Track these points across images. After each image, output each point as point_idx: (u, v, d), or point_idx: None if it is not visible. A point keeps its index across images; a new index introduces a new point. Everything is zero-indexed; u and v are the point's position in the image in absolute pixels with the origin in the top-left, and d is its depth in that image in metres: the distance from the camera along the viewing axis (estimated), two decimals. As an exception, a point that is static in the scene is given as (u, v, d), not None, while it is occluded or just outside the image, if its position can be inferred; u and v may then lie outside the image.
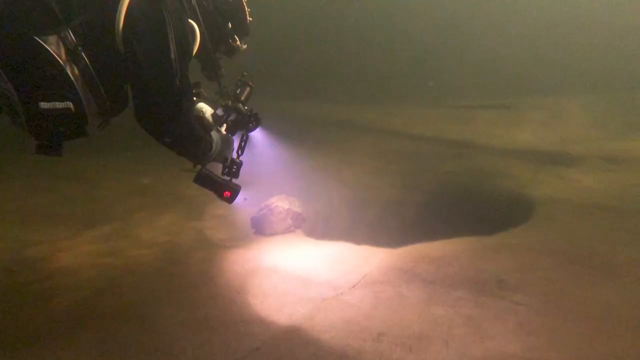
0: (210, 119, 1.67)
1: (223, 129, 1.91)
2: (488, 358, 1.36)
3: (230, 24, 1.73)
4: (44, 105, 1.16)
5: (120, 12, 1.21)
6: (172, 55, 1.29)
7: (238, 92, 1.92)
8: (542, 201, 3.11)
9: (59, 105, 1.18)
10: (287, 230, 2.82)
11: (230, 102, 1.89)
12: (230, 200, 1.89)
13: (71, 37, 1.18)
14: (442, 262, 2.05)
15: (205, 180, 1.83)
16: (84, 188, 3.58)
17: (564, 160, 4.03)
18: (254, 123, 1.93)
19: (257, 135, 2.11)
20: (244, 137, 2.00)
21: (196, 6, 1.56)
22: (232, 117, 1.90)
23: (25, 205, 3.18)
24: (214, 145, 1.67)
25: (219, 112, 1.88)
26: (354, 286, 1.97)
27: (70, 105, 1.19)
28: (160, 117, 1.38)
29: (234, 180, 1.91)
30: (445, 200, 3.90)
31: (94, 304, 1.80)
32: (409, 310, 1.70)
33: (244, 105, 1.92)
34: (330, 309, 1.72)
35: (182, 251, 2.46)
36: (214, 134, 1.72)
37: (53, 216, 2.98)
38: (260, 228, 2.81)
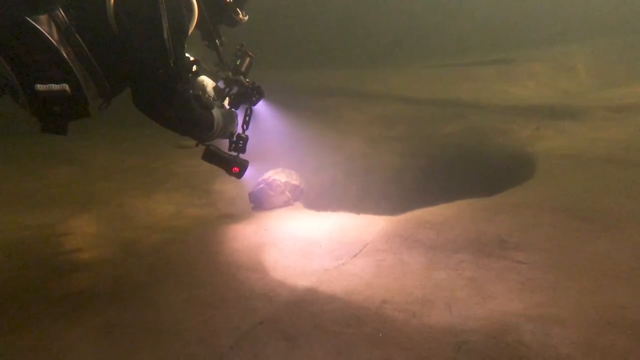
0: (212, 95, 1.65)
1: (226, 103, 1.87)
2: (491, 318, 1.36)
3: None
4: (40, 87, 1.15)
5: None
6: (165, 35, 1.25)
7: (238, 63, 1.87)
8: (543, 157, 3.05)
9: (55, 87, 1.16)
10: (286, 204, 2.79)
11: (230, 74, 1.85)
12: (239, 175, 1.90)
13: (62, 16, 1.16)
14: (442, 226, 2.03)
15: (213, 157, 1.83)
16: (76, 169, 3.51)
17: (566, 113, 3.92)
18: (257, 96, 1.90)
19: (260, 107, 2.07)
20: (248, 111, 1.97)
21: None
22: (235, 90, 1.87)
23: (17, 189, 3.14)
24: (215, 122, 1.65)
25: (220, 84, 1.85)
26: (355, 256, 1.96)
27: (66, 87, 1.18)
28: (154, 99, 1.36)
29: (241, 155, 1.90)
30: (445, 163, 3.85)
31: (94, 286, 1.80)
32: (411, 276, 1.69)
33: (245, 76, 1.87)
34: (333, 280, 1.72)
35: (180, 229, 2.44)
36: (215, 110, 1.68)
37: (47, 199, 2.93)
38: (259, 203, 2.78)
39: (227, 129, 1.79)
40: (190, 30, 1.50)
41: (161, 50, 1.26)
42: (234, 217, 2.63)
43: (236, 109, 1.93)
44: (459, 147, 4.04)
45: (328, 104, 5.64)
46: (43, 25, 1.12)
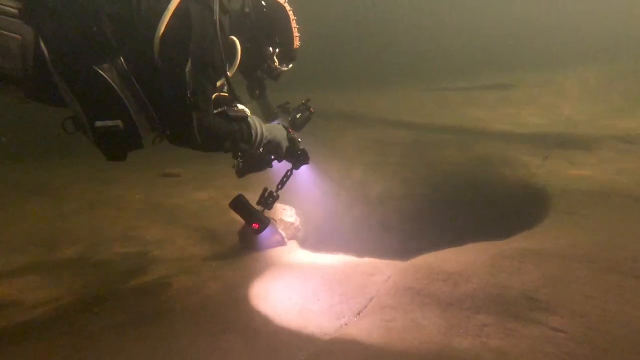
0: (241, 112, 1.65)
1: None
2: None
3: (271, 47, 1.75)
4: (98, 123, 1.34)
5: (158, 30, 1.35)
6: (187, 67, 1.38)
7: (298, 116, 2.01)
8: (557, 192, 2.84)
9: (109, 123, 1.34)
10: (279, 244, 2.52)
11: (287, 124, 1.96)
12: (257, 232, 1.97)
13: (122, 63, 1.35)
14: (458, 277, 1.77)
15: (240, 207, 1.91)
16: (48, 202, 3.21)
17: (574, 142, 3.75)
18: (302, 161, 1.96)
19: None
20: (289, 173, 2.03)
21: (241, 23, 1.66)
22: (286, 144, 1.89)
23: None
24: (253, 131, 1.68)
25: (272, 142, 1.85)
26: (359, 313, 1.69)
27: (120, 122, 1.35)
28: (174, 129, 1.50)
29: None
30: (450, 194, 3.62)
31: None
32: (427, 344, 1.42)
33: (299, 130, 1.99)
34: (334, 352, 1.44)
35: (159, 278, 2.15)
36: (252, 119, 1.70)
37: (7, 240, 2.61)
38: (249, 243, 2.51)
39: (275, 143, 1.79)
40: (232, 73, 1.59)
41: (178, 84, 1.38)
42: (221, 259, 2.34)
43: (279, 162, 1.96)
44: (464, 177, 3.84)
45: (322, 128, 5.48)
46: (107, 72, 1.31)
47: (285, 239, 2.55)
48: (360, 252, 2.48)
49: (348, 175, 3.96)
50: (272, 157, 1.93)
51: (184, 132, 1.49)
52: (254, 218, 1.91)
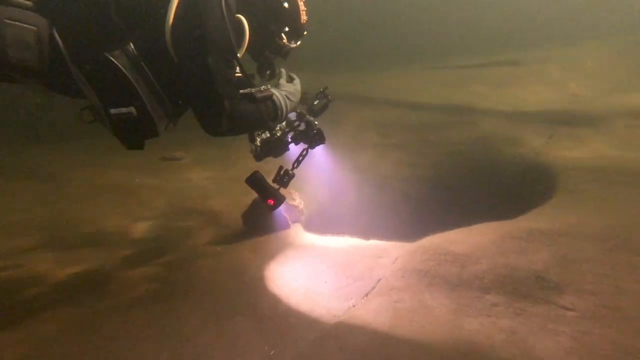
0: (266, 91, 1.63)
1: (289, 136, 2.00)
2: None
3: (276, 24, 1.72)
4: (113, 110, 1.35)
5: (168, 19, 1.32)
6: (209, 60, 1.36)
7: (315, 103, 2.04)
8: (563, 170, 2.80)
9: (123, 110, 1.35)
10: (283, 227, 2.50)
11: (304, 111, 1.99)
12: (272, 208, 1.99)
13: (132, 49, 1.35)
14: (467, 259, 1.75)
15: (256, 183, 1.93)
16: (48, 187, 3.17)
17: (581, 119, 3.68)
18: (318, 141, 2.01)
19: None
20: (304, 152, 2.06)
21: (247, 2, 1.62)
22: (302, 127, 1.99)
23: None
24: (278, 109, 1.68)
25: (292, 116, 1.98)
26: (367, 295, 1.68)
27: (133, 109, 1.36)
28: (208, 121, 1.49)
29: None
30: (455, 175, 3.59)
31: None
32: (436, 325, 1.41)
33: (315, 116, 2.02)
34: (342, 334, 1.43)
35: (165, 262, 2.14)
36: (277, 95, 1.68)
37: (10, 224, 2.58)
38: (253, 226, 2.48)
39: (294, 106, 1.81)
40: (241, 53, 1.56)
41: (205, 75, 1.37)
42: (226, 244, 2.33)
43: (296, 144, 2.03)
44: (468, 157, 3.79)
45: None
46: (117, 59, 1.31)
47: (289, 222, 2.53)
48: (366, 235, 2.47)
49: (352, 157, 3.91)
50: (289, 139, 2.02)
51: (217, 122, 1.49)
52: (269, 194, 1.94)
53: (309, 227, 2.68)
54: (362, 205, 3.37)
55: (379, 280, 1.77)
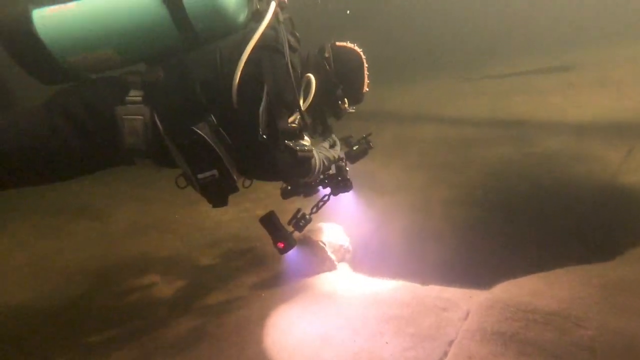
0: (308, 152, 1.73)
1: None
2: None
3: (342, 88, 1.84)
4: (199, 175, 1.52)
5: (235, 81, 1.49)
6: (261, 107, 1.49)
7: (355, 148, 2.10)
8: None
9: (208, 174, 1.53)
10: (329, 269, 2.28)
11: (342, 155, 2.04)
12: (282, 252, 1.93)
13: (213, 120, 1.51)
14: (563, 320, 1.43)
15: (269, 224, 1.88)
16: (95, 226, 3.20)
17: (662, 132, 3.17)
18: (343, 189, 2.00)
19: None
20: (326, 198, 2.04)
21: (319, 64, 1.78)
22: (332, 170, 1.99)
23: (33, 255, 2.83)
24: (313, 168, 1.79)
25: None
26: (439, 363, 1.40)
27: (216, 172, 1.53)
28: (248, 163, 1.63)
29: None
30: (507, 200, 3.19)
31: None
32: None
33: (352, 162, 2.09)
34: None
35: (202, 306, 2.00)
36: (317, 155, 1.81)
37: (65, 267, 2.59)
38: (296, 268, 2.29)
39: (326, 171, 1.94)
40: (305, 106, 1.68)
41: (252, 122, 1.50)
42: (266, 287, 2.15)
43: (324, 188, 2.04)
44: (524, 177, 3.38)
45: (353, 128, 5.17)
46: (202, 130, 1.48)
47: (335, 262, 2.31)
48: (420, 275, 2.19)
49: (388, 179, 3.65)
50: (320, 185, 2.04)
51: (256, 166, 1.64)
52: (280, 237, 1.88)
53: (357, 266, 2.44)
54: (406, 235, 3.08)
55: (451, 342, 1.49)
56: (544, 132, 3.97)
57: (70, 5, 1.44)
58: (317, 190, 2.03)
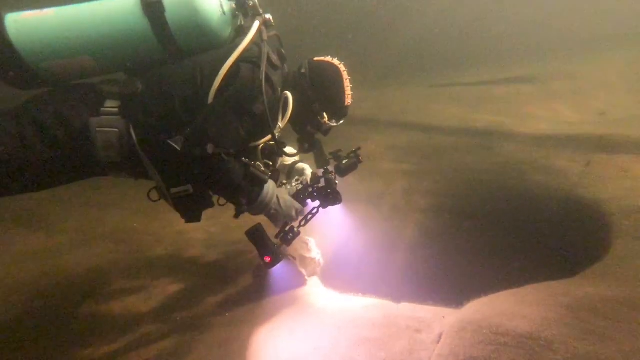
0: (264, 175, 1.68)
1: (307, 191, 1.94)
2: None
3: (319, 104, 1.80)
4: (173, 190, 1.54)
5: (213, 90, 1.52)
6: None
7: (344, 162, 2.04)
8: (616, 208, 2.45)
9: (182, 188, 1.54)
10: (300, 283, 2.18)
11: (331, 169, 2.00)
12: (268, 266, 1.87)
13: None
14: (534, 342, 1.41)
15: (256, 237, 1.83)
16: (42, 237, 2.86)
17: (619, 144, 3.35)
18: (332, 202, 1.95)
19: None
20: (315, 211, 1.98)
21: (297, 82, 1.77)
22: (322, 183, 1.95)
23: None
24: (261, 197, 1.71)
25: (320, 172, 1.99)
26: (411, 393, 1.34)
27: (190, 187, 1.53)
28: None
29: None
30: (478, 208, 3.24)
31: None
32: None
33: (342, 176, 2.04)
34: None
35: (160, 329, 1.82)
36: (269, 188, 1.73)
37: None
38: (263, 284, 2.16)
39: (278, 214, 1.81)
40: (283, 124, 1.68)
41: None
42: (235, 306, 2.01)
43: (312, 201, 1.97)
44: (492, 186, 3.46)
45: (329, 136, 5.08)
46: (178, 144, 1.44)
47: (306, 277, 2.21)
48: (393, 289, 2.14)
49: (361, 188, 3.60)
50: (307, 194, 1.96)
51: (209, 177, 1.53)
52: (267, 251, 1.82)
53: (328, 280, 2.35)
54: (377, 243, 3.03)
55: (424, 369, 1.44)
56: (509, 142, 4.09)
57: (48, 11, 1.41)
58: (306, 204, 1.96)
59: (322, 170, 1.99)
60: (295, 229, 1.93)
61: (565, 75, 5.58)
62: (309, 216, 1.97)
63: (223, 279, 2.30)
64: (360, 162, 2.07)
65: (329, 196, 1.91)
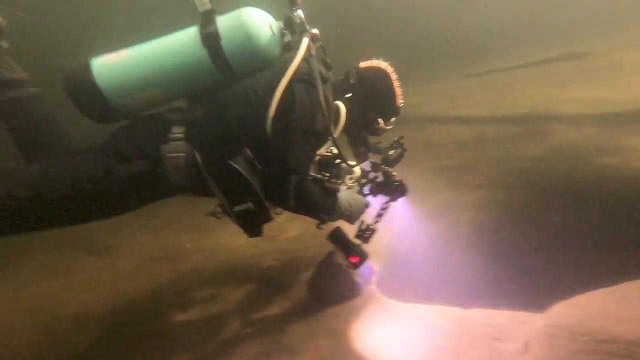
0: (335, 185, 1.75)
1: (366, 188, 2.01)
2: None
3: (374, 110, 1.87)
4: (236, 208, 1.59)
5: (269, 113, 1.53)
6: (292, 135, 1.53)
7: (390, 153, 2.03)
8: None
9: (244, 206, 1.57)
10: (357, 294, 2.07)
11: (379, 161, 2.01)
12: (356, 266, 1.91)
13: (248, 153, 1.56)
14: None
15: (338, 239, 1.89)
16: (103, 262, 3.00)
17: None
18: (400, 192, 1.98)
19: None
20: (385, 205, 2.00)
21: (346, 91, 1.81)
22: (380, 178, 1.99)
23: (39, 298, 2.63)
24: (336, 207, 1.78)
25: (367, 166, 2.00)
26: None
27: (251, 204, 1.57)
28: (272, 188, 1.60)
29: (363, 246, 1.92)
30: (534, 199, 2.96)
31: None
32: None
33: (391, 166, 2.02)
34: None
35: (223, 340, 1.79)
36: (342, 195, 1.79)
37: (74, 312, 2.36)
38: (319, 295, 2.09)
39: (351, 216, 1.86)
40: (337, 134, 1.71)
41: (281, 149, 1.54)
42: (293, 318, 1.94)
43: (374, 196, 2.00)
44: (549, 174, 3.16)
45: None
46: (239, 164, 1.52)
47: (362, 286, 2.10)
48: (456, 294, 1.97)
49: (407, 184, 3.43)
50: (367, 191, 2.01)
51: (281, 193, 1.60)
52: (352, 251, 1.87)
53: (384, 287, 2.22)
54: (431, 243, 2.85)
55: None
56: (563, 125, 3.75)
57: (123, 52, 1.55)
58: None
59: (368, 165, 1.99)
60: (372, 226, 1.96)
61: (620, 48, 5.06)
62: (382, 211, 1.99)
63: (277, 292, 2.25)
64: (405, 150, 2.07)
65: (396, 188, 1.94)
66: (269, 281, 2.37)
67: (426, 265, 2.57)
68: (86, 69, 1.50)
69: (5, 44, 1.52)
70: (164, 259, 2.86)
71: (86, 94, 1.51)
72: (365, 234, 1.95)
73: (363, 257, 1.89)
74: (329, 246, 2.13)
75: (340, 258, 2.12)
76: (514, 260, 2.50)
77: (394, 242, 2.82)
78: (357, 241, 1.94)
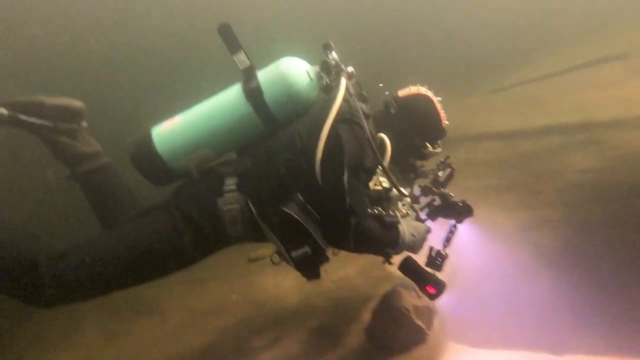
0: (395, 218, 1.73)
1: (422, 214, 1.99)
2: None
3: (420, 137, 1.87)
4: (294, 253, 1.58)
5: (317, 156, 1.53)
6: (345, 177, 1.52)
7: (440, 174, 2.02)
8: None
9: (301, 251, 1.58)
10: (422, 339, 1.91)
11: (429, 183, 2.01)
12: (434, 296, 1.83)
13: (299, 197, 1.56)
14: None
15: (409, 269, 1.84)
16: (154, 322, 3.03)
17: None
18: (466, 213, 1.92)
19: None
20: (453, 229, 1.96)
21: (388, 121, 1.83)
22: (437, 202, 1.95)
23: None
24: (400, 239, 1.75)
25: (416, 191, 1.98)
26: None
27: (308, 248, 1.58)
28: (331, 232, 1.61)
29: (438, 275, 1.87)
30: (598, 215, 2.65)
31: None
32: None
33: (443, 188, 2.00)
34: None
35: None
36: (402, 226, 1.77)
37: None
38: (379, 343, 1.94)
39: (415, 245, 1.83)
40: (386, 164, 1.69)
41: (337, 194, 1.53)
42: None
43: (433, 220, 1.96)
44: (619, 186, 2.85)
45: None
46: (292, 210, 1.54)
47: (425, 331, 1.94)
48: (535, 335, 1.75)
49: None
50: (424, 216, 1.98)
51: (341, 236, 1.59)
52: (427, 281, 1.79)
53: (450, 330, 2.03)
54: (495, 277, 2.59)
55: None
56: (617, 132, 3.45)
57: (177, 118, 1.65)
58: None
59: (417, 189, 1.96)
60: (442, 252, 1.90)
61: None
62: (449, 235, 1.93)
63: (332, 340, 2.13)
64: (454, 169, 2.04)
65: (462, 209, 1.89)
66: (322, 330, 2.26)
67: (488, 298, 2.31)
68: (149, 140, 1.61)
69: (85, 124, 1.69)
70: (213, 313, 2.84)
71: (151, 163, 1.62)
72: (437, 260, 1.88)
73: (440, 287, 1.79)
74: (380, 286, 2.02)
75: (399, 300, 1.99)
76: (589, 288, 2.18)
77: (457, 270, 2.61)
78: (430, 270, 1.87)
